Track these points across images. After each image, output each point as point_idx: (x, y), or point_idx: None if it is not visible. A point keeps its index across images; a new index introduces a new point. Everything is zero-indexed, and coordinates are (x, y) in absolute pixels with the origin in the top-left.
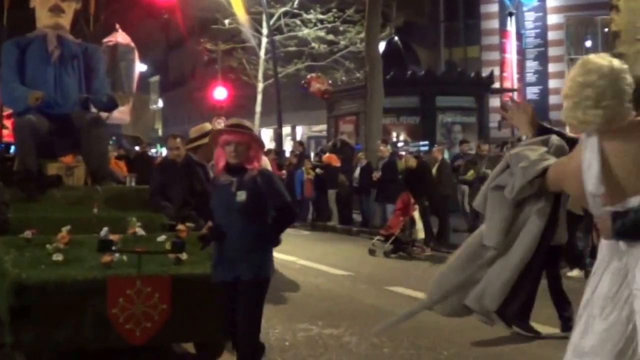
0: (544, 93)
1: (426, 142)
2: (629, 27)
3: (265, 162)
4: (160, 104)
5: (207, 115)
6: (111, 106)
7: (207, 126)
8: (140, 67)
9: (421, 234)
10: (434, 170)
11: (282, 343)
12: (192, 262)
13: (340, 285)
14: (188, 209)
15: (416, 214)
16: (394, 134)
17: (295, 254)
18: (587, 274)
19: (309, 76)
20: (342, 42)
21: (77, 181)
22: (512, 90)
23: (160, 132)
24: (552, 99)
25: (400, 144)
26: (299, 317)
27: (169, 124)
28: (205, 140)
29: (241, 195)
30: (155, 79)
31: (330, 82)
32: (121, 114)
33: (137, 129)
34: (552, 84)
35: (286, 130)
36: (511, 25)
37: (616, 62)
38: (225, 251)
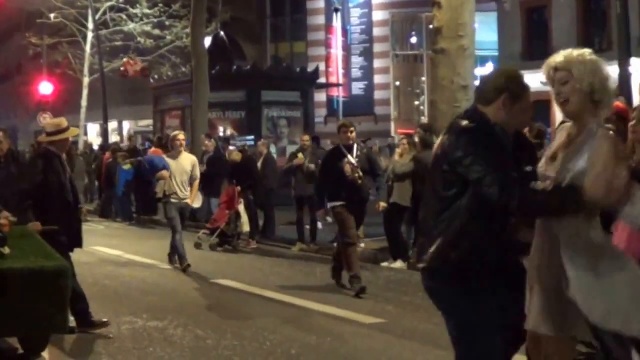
0: (370, 88)
1: (252, 137)
2: (450, 23)
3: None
4: None
5: (33, 110)
6: None
7: (64, 122)
8: None
9: (246, 227)
10: (259, 164)
11: (107, 336)
12: (14, 257)
13: (166, 279)
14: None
15: (241, 207)
16: (221, 128)
17: (121, 248)
18: (409, 266)
19: (124, 63)
20: (168, 37)
21: None
22: (337, 85)
23: None
24: (377, 94)
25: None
26: (124, 310)
27: None
28: (63, 135)
29: None
30: None
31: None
32: None
33: None
34: (377, 79)
35: (113, 125)
36: (337, 21)
37: None
38: None
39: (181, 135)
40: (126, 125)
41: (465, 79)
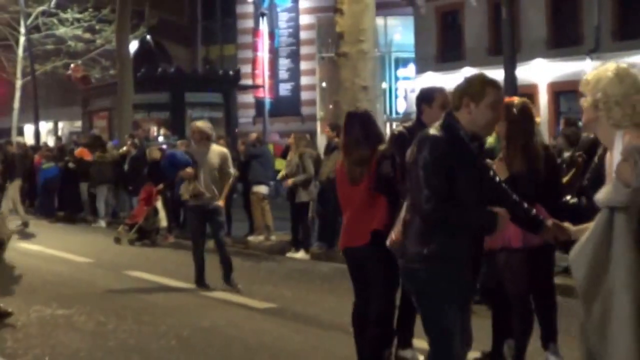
0: (296, 89)
1: (176, 137)
2: (352, 29)
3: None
4: None
5: None
6: None
7: None
8: None
9: (164, 223)
10: None
11: (15, 323)
12: None
13: (81, 272)
14: None
15: (159, 204)
16: (154, 129)
17: (42, 244)
18: (312, 256)
19: (70, 68)
20: (99, 41)
21: None
22: (258, 86)
23: None
24: (304, 95)
25: (160, 138)
26: (36, 300)
27: None
28: None
29: None
30: None
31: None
32: None
33: None
34: (304, 80)
35: (49, 125)
36: (263, 25)
37: None
38: None
39: (207, 126)
40: (61, 126)
41: (365, 80)
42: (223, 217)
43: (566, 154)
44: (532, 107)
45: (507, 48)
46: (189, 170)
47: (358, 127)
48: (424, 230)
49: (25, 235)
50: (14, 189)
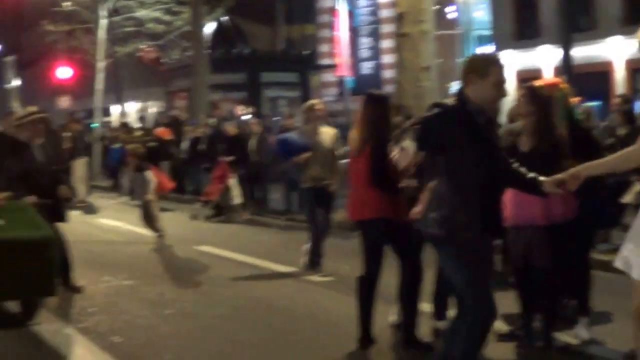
0: (378, 68)
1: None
2: (412, 9)
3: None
4: (18, 82)
5: (50, 94)
6: None
7: (31, 109)
8: None
9: (238, 200)
10: (253, 142)
11: (84, 292)
12: (5, 228)
13: (155, 246)
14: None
15: (232, 181)
16: (239, 108)
17: (121, 220)
18: None
19: (142, 51)
20: (177, 22)
21: None
22: (332, 66)
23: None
24: (386, 74)
25: (247, 117)
26: (106, 272)
27: (27, 102)
28: (25, 120)
29: None
30: (11, 58)
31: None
32: None
33: None
34: (386, 59)
35: (138, 106)
36: (341, 4)
37: None
38: None
39: (320, 105)
40: (150, 106)
41: (426, 60)
42: (332, 201)
43: (622, 131)
44: (556, 90)
45: (561, 29)
46: (305, 155)
47: (371, 107)
48: (440, 197)
49: (110, 212)
50: (79, 167)
